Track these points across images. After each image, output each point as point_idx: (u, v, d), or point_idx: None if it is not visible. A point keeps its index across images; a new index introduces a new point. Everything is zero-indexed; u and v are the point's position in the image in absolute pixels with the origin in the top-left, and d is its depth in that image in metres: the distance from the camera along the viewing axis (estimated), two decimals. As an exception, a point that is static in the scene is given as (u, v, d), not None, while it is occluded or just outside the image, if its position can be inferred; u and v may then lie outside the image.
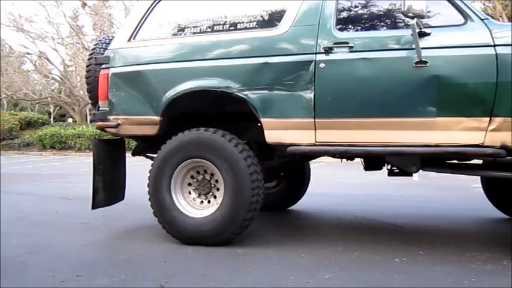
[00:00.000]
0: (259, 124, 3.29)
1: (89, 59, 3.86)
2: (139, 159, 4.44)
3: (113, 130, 3.62)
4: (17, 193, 6.18)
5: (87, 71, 3.86)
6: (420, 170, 3.16)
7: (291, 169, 4.54)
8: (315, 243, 3.35)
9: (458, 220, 4.35)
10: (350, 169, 7.77)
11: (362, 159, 3.69)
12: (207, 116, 3.76)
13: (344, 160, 3.92)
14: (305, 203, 4.90)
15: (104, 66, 3.63)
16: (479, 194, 5.98)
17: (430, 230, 3.95)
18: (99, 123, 3.64)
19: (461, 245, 3.29)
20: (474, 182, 6.96)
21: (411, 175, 3.48)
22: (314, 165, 4.60)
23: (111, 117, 3.58)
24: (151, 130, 3.49)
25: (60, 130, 17.34)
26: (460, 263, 2.84)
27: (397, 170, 3.43)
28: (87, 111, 32.91)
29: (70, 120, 28.71)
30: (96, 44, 3.90)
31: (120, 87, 3.55)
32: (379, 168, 3.61)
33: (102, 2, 24.83)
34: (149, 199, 3.44)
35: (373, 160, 3.57)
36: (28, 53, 24.06)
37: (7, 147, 17.65)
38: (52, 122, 25.11)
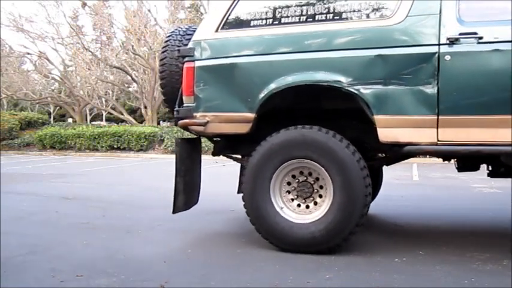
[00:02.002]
0: (354, 122, 3.12)
1: (162, 52, 3.61)
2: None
3: (200, 128, 3.29)
4: (17, 193, 6.18)
5: (161, 65, 3.62)
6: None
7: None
8: (315, 243, 3.35)
9: (458, 220, 4.35)
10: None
11: (455, 159, 3.47)
12: (295, 113, 3.47)
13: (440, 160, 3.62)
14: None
15: (187, 59, 3.30)
16: (479, 194, 5.99)
17: (430, 230, 3.95)
18: (184, 120, 3.30)
19: (461, 245, 3.29)
20: (474, 182, 6.97)
21: None
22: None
23: (198, 114, 3.27)
24: (243, 128, 3.20)
25: (60, 130, 17.34)
26: (460, 263, 2.84)
27: (499, 171, 3.28)
28: (87, 111, 32.94)
29: (70, 120, 28.72)
30: (169, 36, 3.66)
31: (208, 81, 3.25)
32: (476, 168, 3.39)
33: (102, 2, 24.83)
34: (244, 202, 3.21)
35: (473, 160, 3.34)
36: (28, 53, 24.08)
37: (7, 147, 17.64)
38: (52, 122, 25.12)
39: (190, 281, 2.58)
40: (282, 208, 3.16)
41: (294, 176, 3.18)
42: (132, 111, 31.16)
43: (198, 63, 3.27)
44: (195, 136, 3.62)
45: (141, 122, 24.50)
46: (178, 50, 3.42)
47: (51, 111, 33.06)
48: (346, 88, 2.96)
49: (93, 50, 26.04)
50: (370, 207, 4.82)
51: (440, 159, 3.63)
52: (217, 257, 3.04)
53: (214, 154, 3.74)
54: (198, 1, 24.08)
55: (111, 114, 27.36)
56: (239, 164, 4.19)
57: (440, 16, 2.86)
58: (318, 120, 3.29)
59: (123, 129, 16.40)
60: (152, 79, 23.09)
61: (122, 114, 24.15)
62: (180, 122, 3.33)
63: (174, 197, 3.39)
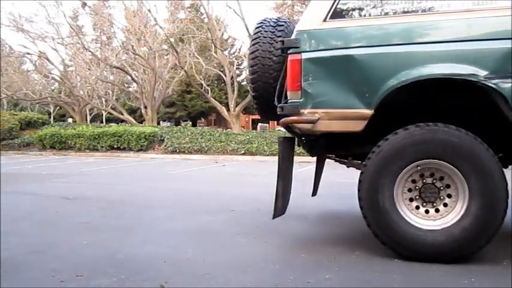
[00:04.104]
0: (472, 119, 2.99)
1: (253, 45, 3.40)
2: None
3: (308, 126, 3.03)
4: (17, 193, 6.18)
5: (251, 58, 3.39)
6: None
7: None
8: (315, 243, 3.35)
9: (458, 220, 4.34)
10: (348, 169, 7.77)
11: None
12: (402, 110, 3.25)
13: None
14: (304, 204, 4.89)
15: (293, 50, 3.06)
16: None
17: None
18: (291, 117, 3.06)
19: (461, 245, 3.29)
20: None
21: None
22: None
23: (306, 111, 3.01)
24: (357, 126, 2.96)
25: (60, 130, 17.34)
26: (460, 263, 2.84)
27: None
28: (87, 111, 32.96)
29: (70, 120, 28.74)
30: (258, 28, 3.46)
31: (318, 74, 3.01)
32: None
33: (102, 2, 24.87)
34: (361, 207, 2.98)
35: None
36: (28, 53, 24.12)
37: (7, 147, 17.65)
38: (52, 122, 25.14)
39: (190, 281, 2.58)
40: (405, 211, 2.95)
41: (422, 176, 2.97)
42: (132, 111, 31.21)
43: (305, 55, 3.04)
44: (291, 135, 3.44)
45: (141, 122, 24.53)
46: (282, 42, 3.14)
47: (51, 111, 33.09)
48: (483, 82, 2.73)
49: (93, 50, 26.08)
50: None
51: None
52: (217, 257, 3.04)
53: (313, 155, 3.59)
54: (198, 1, 24.10)
55: (111, 114, 27.39)
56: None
57: None
58: (430, 117, 3.07)
59: (123, 129, 16.40)
60: (152, 79, 23.13)
61: (122, 114, 24.18)
62: (286, 119, 3.09)
63: (275, 200, 3.22)
